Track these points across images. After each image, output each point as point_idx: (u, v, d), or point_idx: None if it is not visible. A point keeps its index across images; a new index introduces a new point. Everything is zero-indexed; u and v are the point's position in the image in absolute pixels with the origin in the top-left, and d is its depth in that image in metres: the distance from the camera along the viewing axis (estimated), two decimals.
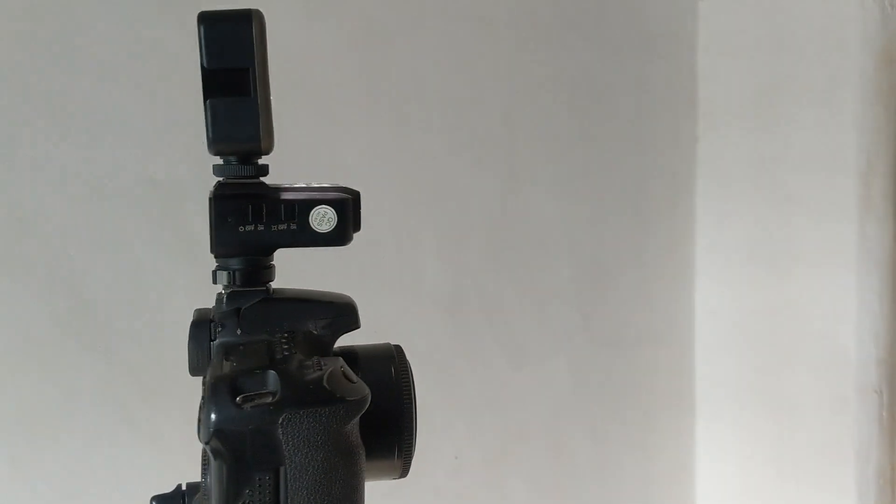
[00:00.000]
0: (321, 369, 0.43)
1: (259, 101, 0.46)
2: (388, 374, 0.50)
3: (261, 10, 0.47)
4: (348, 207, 0.48)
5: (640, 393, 1.65)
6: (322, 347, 0.49)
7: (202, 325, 0.48)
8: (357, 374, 0.46)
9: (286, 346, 0.46)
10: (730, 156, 1.63)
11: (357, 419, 0.43)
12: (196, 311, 0.51)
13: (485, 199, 1.36)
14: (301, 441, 0.41)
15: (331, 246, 0.49)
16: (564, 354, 1.49)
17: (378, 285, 1.23)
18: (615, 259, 1.57)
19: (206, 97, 0.45)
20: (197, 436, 0.42)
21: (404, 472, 0.50)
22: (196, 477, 0.49)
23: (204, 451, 0.43)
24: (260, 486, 0.40)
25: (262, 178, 0.50)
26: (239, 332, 0.48)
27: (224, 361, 0.44)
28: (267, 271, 0.50)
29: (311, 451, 0.41)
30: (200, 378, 0.48)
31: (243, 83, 0.45)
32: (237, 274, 0.49)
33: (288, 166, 0.55)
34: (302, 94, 1.14)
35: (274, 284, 0.52)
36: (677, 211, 1.68)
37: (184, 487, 0.50)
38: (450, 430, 1.33)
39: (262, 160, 0.50)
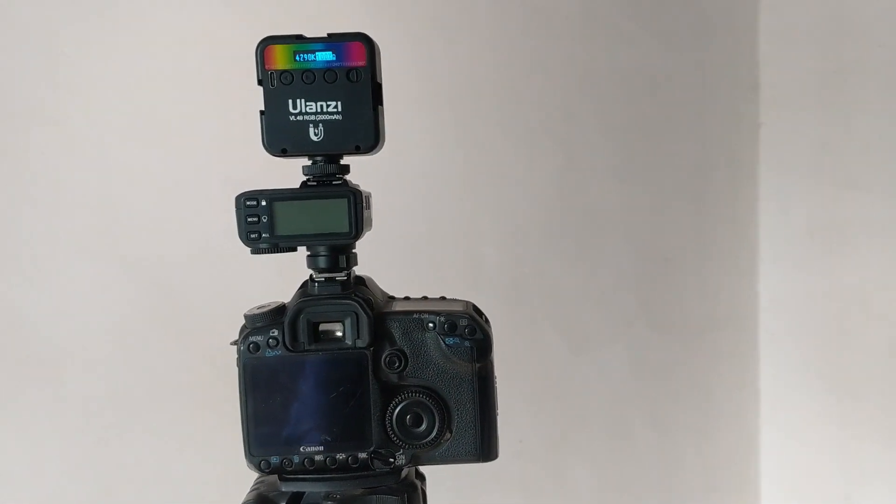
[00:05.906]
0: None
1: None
2: None
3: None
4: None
5: (703, 380, 1.65)
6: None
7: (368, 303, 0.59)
8: None
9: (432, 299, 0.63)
10: (792, 141, 1.62)
11: None
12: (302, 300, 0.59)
13: (543, 188, 1.38)
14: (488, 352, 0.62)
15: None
16: (623, 341, 1.50)
17: (438, 274, 1.26)
18: (676, 245, 1.57)
19: (375, 108, 0.57)
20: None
21: None
22: None
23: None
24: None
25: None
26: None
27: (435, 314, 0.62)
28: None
29: (489, 359, 0.63)
30: None
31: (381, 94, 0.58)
32: (351, 255, 0.60)
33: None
34: None
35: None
36: (739, 196, 1.67)
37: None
38: (513, 414, 1.36)
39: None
